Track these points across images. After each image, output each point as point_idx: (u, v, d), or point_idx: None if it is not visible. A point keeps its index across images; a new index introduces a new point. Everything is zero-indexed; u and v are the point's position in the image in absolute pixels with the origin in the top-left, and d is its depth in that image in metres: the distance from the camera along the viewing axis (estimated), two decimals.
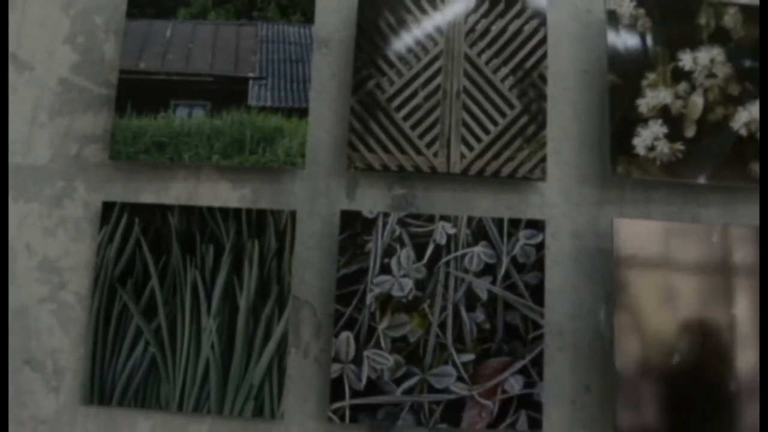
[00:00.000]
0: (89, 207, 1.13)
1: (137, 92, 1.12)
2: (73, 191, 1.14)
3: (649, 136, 1.10)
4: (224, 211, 1.09)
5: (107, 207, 1.10)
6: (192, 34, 1.15)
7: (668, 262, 1.05)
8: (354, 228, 1.07)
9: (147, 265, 1.08)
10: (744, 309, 1.05)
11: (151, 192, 1.13)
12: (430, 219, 1.08)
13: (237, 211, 1.09)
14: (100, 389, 1.06)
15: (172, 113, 1.11)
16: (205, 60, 1.14)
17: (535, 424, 1.03)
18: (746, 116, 1.11)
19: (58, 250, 1.12)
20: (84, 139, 1.16)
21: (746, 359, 1.04)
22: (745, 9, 1.16)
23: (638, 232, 1.06)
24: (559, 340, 1.08)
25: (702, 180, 1.09)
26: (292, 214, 1.09)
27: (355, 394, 1.03)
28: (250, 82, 1.13)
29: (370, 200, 1.12)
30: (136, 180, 1.13)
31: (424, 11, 1.15)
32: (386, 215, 1.07)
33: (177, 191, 1.13)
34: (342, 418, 1.02)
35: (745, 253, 1.07)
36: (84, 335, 1.08)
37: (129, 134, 1.10)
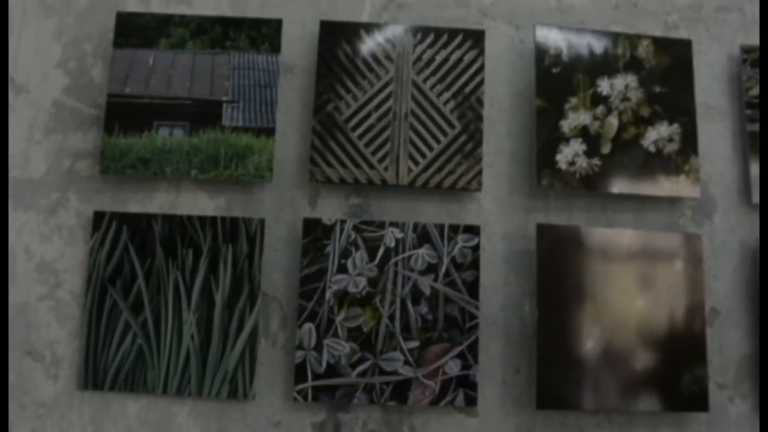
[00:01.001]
0: (81, 215, 1.28)
1: (124, 114, 1.27)
2: (66, 201, 1.28)
3: (570, 153, 1.27)
4: (202, 219, 1.25)
5: (98, 216, 1.25)
6: (172, 62, 1.30)
7: (584, 261, 1.23)
8: (315, 233, 1.23)
9: (134, 266, 1.23)
10: (649, 300, 1.23)
11: (136, 202, 1.28)
12: (381, 225, 1.24)
13: (213, 219, 1.25)
14: (93, 376, 1.21)
15: (155, 133, 1.26)
16: (184, 85, 1.29)
17: (470, 400, 1.20)
18: (655, 135, 1.29)
19: (54, 254, 1.26)
20: (76, 155, 1.30)
21: (651, 343, 1.22)
22: (656, 41, 1.33)
23: (558, 236, 1.23)
24: (493, 328, 1.25)
25: (615, 190, 1.27)
26: (261, 222, 1.24)
27: (316, 377, 1.19)
28: (224, 104, 1.28)
29: (330, 209, 1.28)
30: (123, 192, 1.28)
31: (377, 43, 1.31)
32: (343, 222, 1.24)
33: (160, 201, 1.28)
34: (305, 398, 1.19)
35: (652, 253, 1.25)
36: (79, 329, 1.23)
37: (117, 151, 1.25)
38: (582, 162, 1.27)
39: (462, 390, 1.20)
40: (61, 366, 1.23)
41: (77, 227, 1.27)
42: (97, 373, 1.21)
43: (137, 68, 1.29)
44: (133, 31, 1.30)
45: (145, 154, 1.26)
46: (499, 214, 1.29)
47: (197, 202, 1.28)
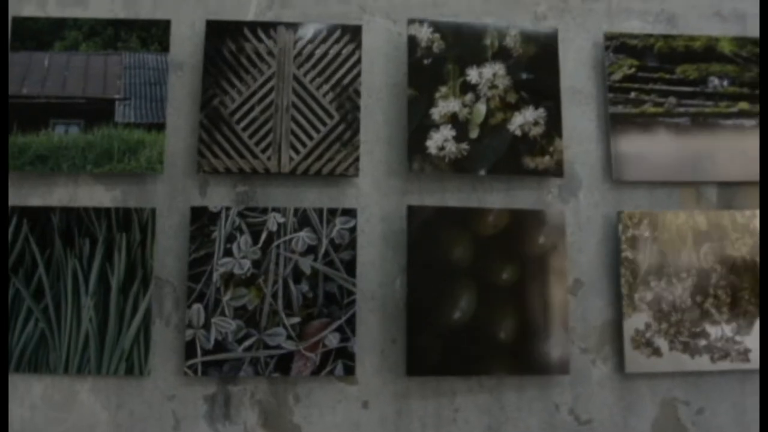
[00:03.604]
0: None
1: (21, 114, 1.35)
2: None
3: (440, 139, 1.36)
4: (97, 210, 1.34)
5: None
6: (67, 63, 1.38)
7: (452, 238, 1.33)
8: (202, 220, 1.32)
9: (35, 257, 1.32)
10: (513, 273, 1.33)
11: (37, 197, 1.36)
12: (264, 211, 1.33)
13: (107, 210, 1.34)
14: None
15: (51, 131, 1.35)
16: (78, 85, 1.37)
17: (349, 370, 1.30)
18: (521, 119, 1.38)
19: None
20: None
21: (516, 312, 1.32)
22: (523, 31, 1.42)
23: (428, 215, 1.33)
24: (371, 303, 1.35)
25: (482, 173, 1.36)
26: (152, 211, 1.33)
27: (205, 353, 1.29)
28: (117, 102, 1.37)
29: (218, 197, 1.37)
30: (24, 187, 1.36)
31: (260, 39, 1.39)
32: (228, 209, 1.33)
33: (59, 195, 1.37)
34: (195, 372, 1.29)
35: (516, 229, 1.34)
36: None
37: (15, 149, 1.34)
38: (451, 147, 1.36)
39: (341, 361, 1.30)
40: None
41: None
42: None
43: (33, 70, 1.37)
44: (28, 35, 1.38)
45: (42, 151, 1.34)
46: (376, 197, 1.38)
47: (95, 195, 1.37)
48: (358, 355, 1.31)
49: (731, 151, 1.43)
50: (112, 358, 1.30)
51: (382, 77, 1.42)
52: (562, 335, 1.33)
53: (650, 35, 1.45)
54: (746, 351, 1.36)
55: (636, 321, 1.35)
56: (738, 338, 1.37)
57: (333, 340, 1.31)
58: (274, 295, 1.31)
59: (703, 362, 1.36)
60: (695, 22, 1.48)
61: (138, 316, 1.31)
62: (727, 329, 1.37)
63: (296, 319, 1.31)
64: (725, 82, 1.44)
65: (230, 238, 1.32)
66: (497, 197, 1.40)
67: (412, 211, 1.33)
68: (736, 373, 1.38)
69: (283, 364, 1.30)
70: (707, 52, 1.45)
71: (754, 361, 1.36)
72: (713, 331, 1.37)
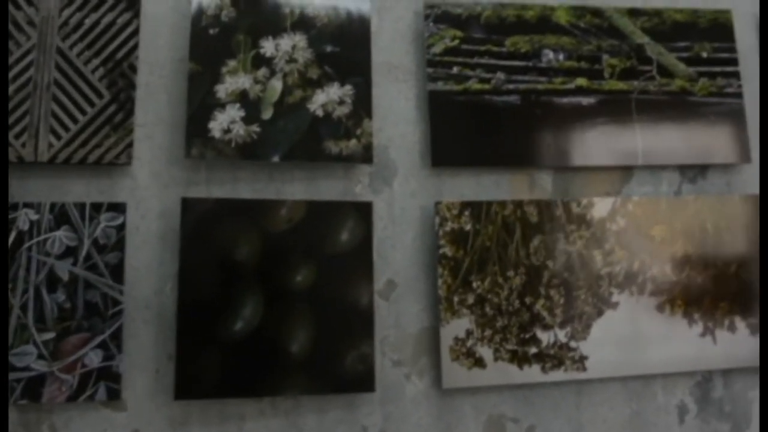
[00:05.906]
0: None
1: None
2: None
3: (225, 120, 1.17)
4: None
5: None
6: None
7: (236, 235, 1.14)
8: None
9: None
10: (308, 275, 1.14)
11: None
12: (14, 207, 1.13)
13: None
14: None
15: None
16: None
17: (113, 394, 1.10)
18: (323, 98, 1.20)
19: None
20: None
21: (312, 321, 1.13)
22: None
23: (204, 209, 1.14)
24: (146, 313, 1.15)
25: (276, 159, 1.18)
26: None
27: None
28: None
29: None
30: None
31: (18, 7, 1.19)
32: None
33: None
34: None
35: (314, 224, 1.16)
36: None
37: None
38: (239, 129, 1.17)
39: (103, 383, 1.10)
40: None
41: None
42: None
43: None
44: None
45: None
46: (155, 190, 1.19)
47: None
48: (127, 375, 1.12)
49: (568, 132, 1.27)
50: None
51: (166, 51, 1.23)
52: (370, 346, 1.15)
53: (477, 3, 1.29)
54: (582, 358, 1.20)
55: (455, 328, 1.18)
56: (573, 344, 1.20)
57: (94, 359, 1.10)
58: (24, 307, 1.10)
59: (533, 373, 1.19)
60: None
61: None
62: (561, 334, 1.20)
63: (50, 335, 1.10)
64: (561, 56, 1.29)
65: None
66: (298, 187, 1.21)
67: (186, 204, 1.14)
68: (571, 384, 1.22)
69: (33, 388, 1.09)
70: (541, 23, 1.30)
71: (591, 369, 1.20)
72: (545, 336, 1.20)
